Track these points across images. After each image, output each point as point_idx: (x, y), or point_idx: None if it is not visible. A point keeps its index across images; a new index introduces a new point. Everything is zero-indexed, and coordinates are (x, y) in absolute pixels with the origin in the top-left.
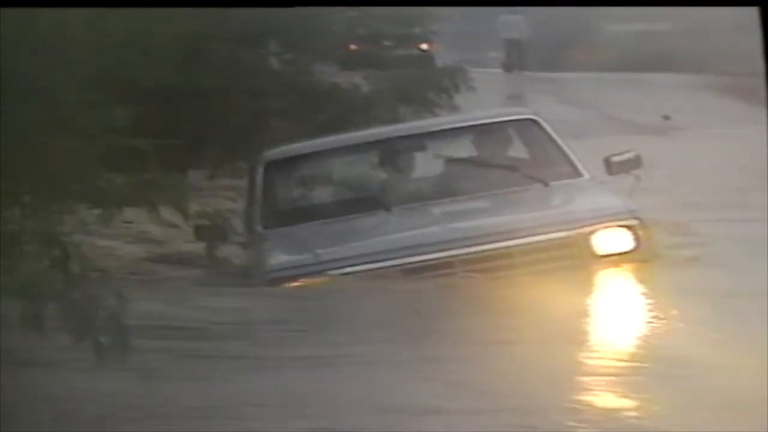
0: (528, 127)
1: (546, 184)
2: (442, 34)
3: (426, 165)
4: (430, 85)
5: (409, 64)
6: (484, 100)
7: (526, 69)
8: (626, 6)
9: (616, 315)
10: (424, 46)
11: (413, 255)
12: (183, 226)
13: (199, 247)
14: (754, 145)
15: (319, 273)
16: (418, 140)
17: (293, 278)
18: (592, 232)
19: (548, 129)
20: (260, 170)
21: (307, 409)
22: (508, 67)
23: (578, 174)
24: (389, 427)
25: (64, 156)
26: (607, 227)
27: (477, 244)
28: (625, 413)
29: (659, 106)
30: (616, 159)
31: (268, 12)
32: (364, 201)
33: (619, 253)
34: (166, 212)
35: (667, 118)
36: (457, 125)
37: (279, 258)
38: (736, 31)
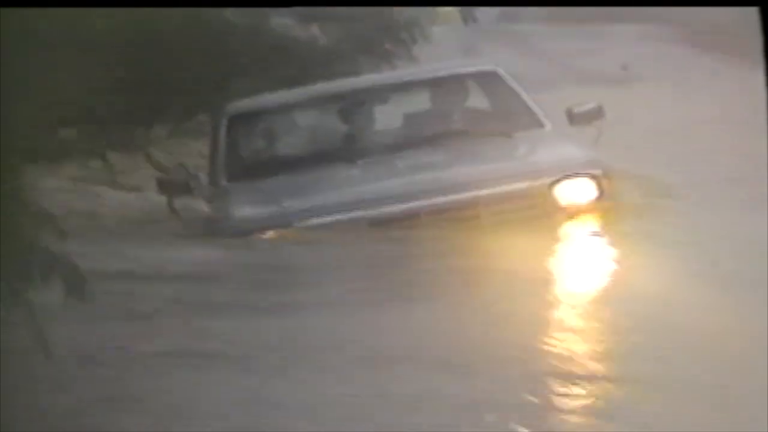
0: (489, 78)
1: (509, 135)
2: None
3: (389, 117)
4: (389, 38)
5: (367, 17)
6: (442, 52)
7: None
8: (627, 6)
9: (577, 262)
10: None
11: (379, 206)
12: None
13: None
14: (713, 95)
15: (285, 225)
16: (381, 93)
17: (259, 230)
18: (555, 182)
19: (509, 80)
20: (223, 123)
21: (277, 353)
22: (465, 19)
23: (540, 125)
24: (361, 373)
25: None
26: (570, 177)
27: (441, 195)
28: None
29: (618, 56)
30: (577, 110)
31: None
32: (329, 154)
33: (582, 203)
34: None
35: (625, 68)
36: (419, 77)
37: (244, 210)
38: None
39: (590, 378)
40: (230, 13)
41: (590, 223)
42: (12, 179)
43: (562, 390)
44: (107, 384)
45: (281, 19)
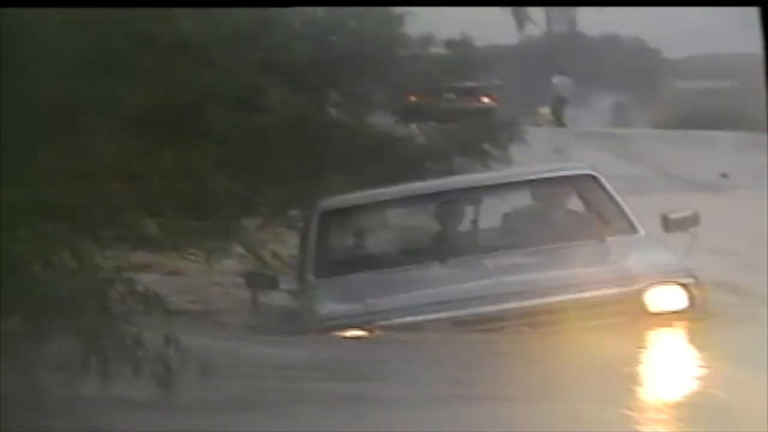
0: (586, 182)
1: (602, 240)
2: (501, 88)
3: (483, 217)
4: (486, 137)
5: (469, 117)
6: (536, 154)
7: (571, 124)
8: (627, 6)
9: (666, 372)
10: (486, 100)
11: (464, 307)
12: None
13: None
14: None
15: (369, 323)
16: (474, 193)
17: (342, 327)
18: (645, 289)
19: (606, 184)
20: (315, 219)
21: None
22: (559, 123)
23: (634, 230)
24: None
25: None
26: (661, 284)
27: (529, 298)
28: None
29: (717, 164)
30: (673, 216)
31: (326, 61)
32: (418, 253)
33: (673, 311)
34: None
35: (725, 176)
36: (516, 179)
37: (329, 307)
38: None
39: None
40: (333, 111)
41: (680, 331)
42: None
43: None
44: None
45: (381, 119)
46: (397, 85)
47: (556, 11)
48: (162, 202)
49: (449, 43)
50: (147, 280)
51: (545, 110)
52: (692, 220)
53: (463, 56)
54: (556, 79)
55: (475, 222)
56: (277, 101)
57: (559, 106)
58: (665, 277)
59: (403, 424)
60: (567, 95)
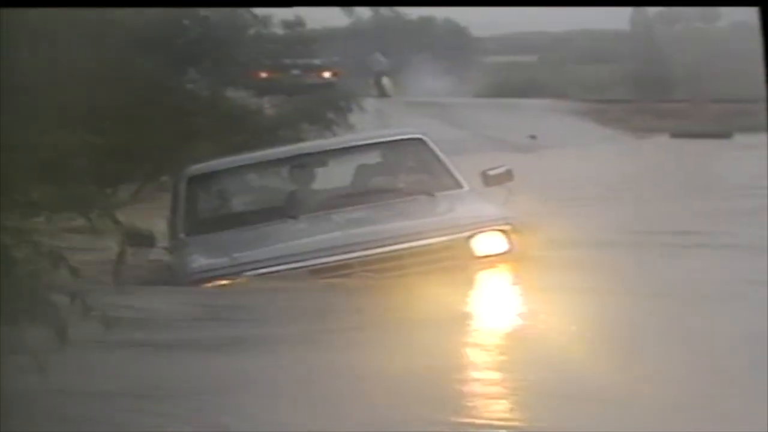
0: (416, 145)
1: (432, 195)
2: (339, 64)
3: (329, 178)
4: (329, 108)
5: (314, 91)
6: (373, 121)
7: (400, 95)
8: (627, 6)
9: (492, 306)
10: (327, 74)
11: (317, 258)
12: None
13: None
14: (612, 161)
15: (235, 274)
16: (322, 157)
17: (212, 279)
18: (471, 236)
19: (433, 147)
20: (183, 184)
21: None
22: (383, 94)
23: (460, 186)
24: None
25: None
26: (484, 231)
27: (373, 248)
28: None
29: (526, 127)
30: (491, 173)
31: (185, 41)
32: (275, 211)
33: (495, 254)
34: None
35: (533, 137)
36: (357, 143)
37: (200, 261)
38: (599, 61)
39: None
40: (191, 87)
41: (501, 271)
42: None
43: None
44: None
45: (237, 92)
46: (245, 62)
47: None
48: (46, 173)
49: (286, 24)
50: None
51: (372, 83)
52: (507, 176)
53: (301, 36)
54: (374, 56)
55: (319, 180)
56: (141, 78)
57: (378, 79)
58: (487, 225)
59: (276, 357)
60: (384, 69)
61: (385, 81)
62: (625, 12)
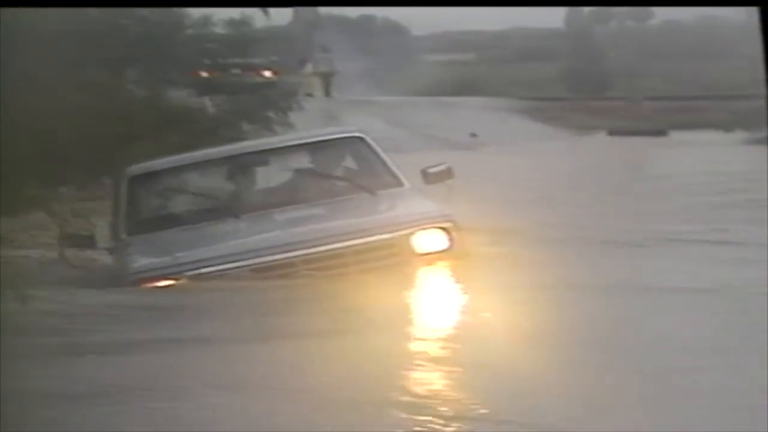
0: (356, 143)
1: (373, 193)
2: (278, 63)
3: (270, 177)
4: (269, 107)
5: (254, 90)
6: (313, 119)
7: (337, 95)
8: (626, 6)
9: (433, 302)
10: (267, 73)
11: (259, 256)
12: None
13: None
14: (550, 159)
15: (177, 274)
16: (262, 156)
17: (153, 279)
18: (412, 234)
19: (373, 145)
20: (124, 184)
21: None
22: (327, 93)
23: (400, 184)
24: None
25: None
26: (425, 229)
27: (314, 246)
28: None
29: (466, 125)
30: (431, 170)
31: (125, 41)
32: (216, 210)
33: (436, 252)
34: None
35: (474, 135)
36: (295, 142)
37: (141, 261)
38: (536, 59)
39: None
40: (132, 87)
41: (443, 268)
42: None
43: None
44: None
45: (177, 92)
46: (185, 61)
47: None
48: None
49: (230, 23)
50: None
51: (314, 81)
52: (447, 174)
53: (240, 35)
54: (322, 55)
55: (259, 180)
56: (80, 79)
57: (326, 78)
58: (428, 222)
59: (216, 359)
60: (332, 69)
61: (330, 80)
62: (560, 10)
